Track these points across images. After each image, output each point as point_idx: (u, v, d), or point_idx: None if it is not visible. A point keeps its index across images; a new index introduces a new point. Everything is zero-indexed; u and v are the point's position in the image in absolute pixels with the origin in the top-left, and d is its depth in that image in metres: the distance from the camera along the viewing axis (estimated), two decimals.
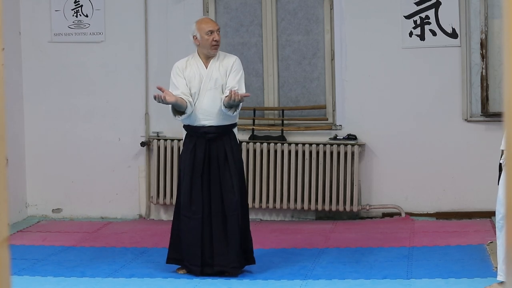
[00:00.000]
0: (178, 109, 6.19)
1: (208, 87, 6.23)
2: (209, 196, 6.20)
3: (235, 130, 6.33)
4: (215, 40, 6.23)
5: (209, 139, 6.19)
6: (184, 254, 6.27)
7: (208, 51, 6.28)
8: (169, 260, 6.36)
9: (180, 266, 6.35)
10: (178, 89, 6.19)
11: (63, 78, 8.55)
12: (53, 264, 6.66)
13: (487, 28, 7.93)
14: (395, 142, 8.17)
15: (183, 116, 6.21)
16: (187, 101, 6.16)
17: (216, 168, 6.20)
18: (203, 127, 6.23)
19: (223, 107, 6.14)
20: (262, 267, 6.33)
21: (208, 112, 6.22)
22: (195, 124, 6.26)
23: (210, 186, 6.20)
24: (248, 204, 6.46)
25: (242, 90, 6.20)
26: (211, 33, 6.24)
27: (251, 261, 6.30)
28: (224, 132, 6.25)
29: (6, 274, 1.99)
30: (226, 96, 6.12)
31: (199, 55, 6.33)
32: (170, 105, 6.17)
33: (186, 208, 6.23)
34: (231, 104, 6.11)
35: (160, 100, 6.06)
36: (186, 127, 6.33)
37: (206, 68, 6.27)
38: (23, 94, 8.57)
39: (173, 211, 6.54)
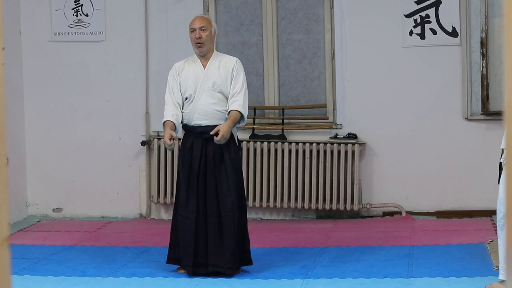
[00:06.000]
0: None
1: (205, 87, 6.20)
2: (205, 196, 6.17)
3: (233, 130, 6.28)
4: (197, 38, 6.20)
5: (206, 139, 6.18)
6: (180, 254, 6.27)
7: (194, 50, 6.29)
8: (169, 260, 6.35)
9: (180, 266, 6.34)
10: (173, 96, 6.23)
11: (64, 78, 8.55)
12: (53, 264, 6.66)
13: (488, 27, 7.93)
14: (395, 141, 8.17)
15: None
16: (175, 122, 6.19)
17: (212, 168, 6.16)
18: (200, 126, 6.22)
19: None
20: (262, 266, 6.32)
21: (204, 112, 6.20)
22: (191, 124, 6.25)
23: (206, 186, 6.18)
24: (246, 205, 6.44)
25: (241, 101, 6.18)
26: (193, 30, 6.24)
27: (248, 262, 6.26)
28: None
29: (6, 273, 1.99)
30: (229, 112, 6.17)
31: (197, 55, 6.34)
32: (162, 122, 6.25)
33: (183, 208, 6.21)
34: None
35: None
36: (183, 126, 6.32)
37: (204, 68, 6.27)
38: (23, 94, 8.56)
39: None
